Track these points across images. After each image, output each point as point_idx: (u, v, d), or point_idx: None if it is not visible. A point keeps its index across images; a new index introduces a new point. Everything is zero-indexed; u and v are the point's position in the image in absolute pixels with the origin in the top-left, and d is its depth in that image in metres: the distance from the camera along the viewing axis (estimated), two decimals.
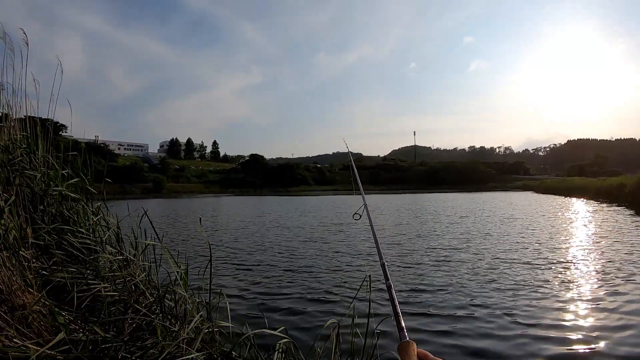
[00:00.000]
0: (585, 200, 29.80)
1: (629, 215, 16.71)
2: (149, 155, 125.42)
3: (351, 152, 3.53)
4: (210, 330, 2.82)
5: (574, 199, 31.62)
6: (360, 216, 2.11)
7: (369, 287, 3.12)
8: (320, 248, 10.29)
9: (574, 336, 4.17)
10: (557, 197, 37.60)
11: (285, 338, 2.76)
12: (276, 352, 2.73)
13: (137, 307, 2.71)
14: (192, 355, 2.33)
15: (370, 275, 3.29)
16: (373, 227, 1.76)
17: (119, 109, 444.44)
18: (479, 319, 4.72)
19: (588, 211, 19.63)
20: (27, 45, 3.68)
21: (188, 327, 2.49)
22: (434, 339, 4.17)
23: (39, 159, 3.50)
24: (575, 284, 6.15)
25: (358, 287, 6.07)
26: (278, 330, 2.78)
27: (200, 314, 2.86)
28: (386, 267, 1.36)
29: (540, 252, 8.83)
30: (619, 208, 20.21)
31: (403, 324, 1.01)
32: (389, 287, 1.21)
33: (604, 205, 22.90)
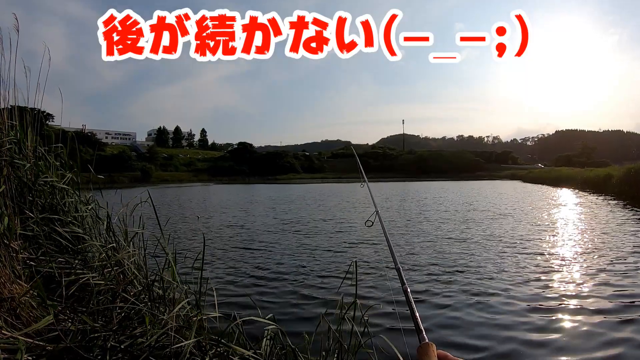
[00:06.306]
0: (573, 190, 29.98)
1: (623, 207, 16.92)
2: (136, 144, 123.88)
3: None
4: (198, 317, 2.85)
5: (562, 189, 31.83)
6: (373, 223, 2.10)
7: (355, 273, 3.15)
8: (314, 238, 10.36)
9: (598, 329, 4.21)
10: (545, 187, 37.94)
11: (273, 325, 2.81)
12: (264, 339, 2.79)
13: (126, 295, 2.73)
14: (181, 344, 2.37)
15: (355, 261, 3.32)
16: (386, 233, 1.77)
17: (106, 98, 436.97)
18: (496, 314, 4.72)
19: (581, 203, 19.78)
20: (18, 31, 3.60)
21: (173, 312, 2.51)
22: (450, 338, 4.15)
23: (28, 149, 3.47)
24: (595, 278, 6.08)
25: (345, 276, 6.13)
26: (266, 318, 2.82)
27: (187, 300, 2.89)
28: (401, 271, 1.38)
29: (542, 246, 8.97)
30: (614, 201, 20.16)
31: (422, 326, 1.01)
32: (405, 291, 1.23)
33: (602, 197, 22.64)
